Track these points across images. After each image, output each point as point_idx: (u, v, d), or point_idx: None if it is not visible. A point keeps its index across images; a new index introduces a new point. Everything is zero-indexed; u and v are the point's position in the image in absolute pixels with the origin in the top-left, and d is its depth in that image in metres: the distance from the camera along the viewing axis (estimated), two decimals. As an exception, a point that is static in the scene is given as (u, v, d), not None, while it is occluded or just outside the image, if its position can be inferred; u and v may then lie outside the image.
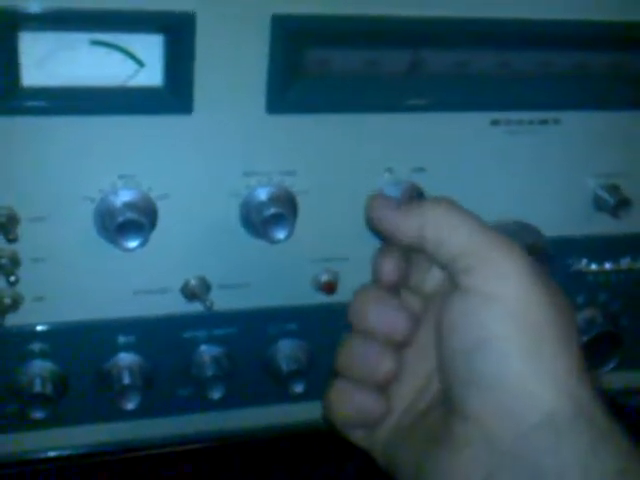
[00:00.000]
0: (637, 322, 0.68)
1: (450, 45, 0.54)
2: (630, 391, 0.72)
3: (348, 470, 0.80)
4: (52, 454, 0.59)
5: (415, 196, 0.56)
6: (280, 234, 0.53)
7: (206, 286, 0.55)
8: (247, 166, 0.53)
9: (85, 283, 0.53)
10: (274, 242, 0.53)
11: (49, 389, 0.54)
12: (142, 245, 0.50)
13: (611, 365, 0.66)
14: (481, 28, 0.54)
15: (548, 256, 0.60)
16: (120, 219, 0.49)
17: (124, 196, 0.51)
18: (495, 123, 0.57)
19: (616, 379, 0.68)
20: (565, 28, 0.55)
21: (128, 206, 0.50)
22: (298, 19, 0.49)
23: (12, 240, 0.49)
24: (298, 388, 0.59)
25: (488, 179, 0.59)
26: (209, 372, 0.57)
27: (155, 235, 0.52)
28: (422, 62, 0.54)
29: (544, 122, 0.58)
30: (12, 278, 0.50)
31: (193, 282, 0.55)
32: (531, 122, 0.58)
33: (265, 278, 0.57)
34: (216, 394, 0.57)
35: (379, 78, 0.53)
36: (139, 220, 0.50)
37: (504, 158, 0.58)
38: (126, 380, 0.55)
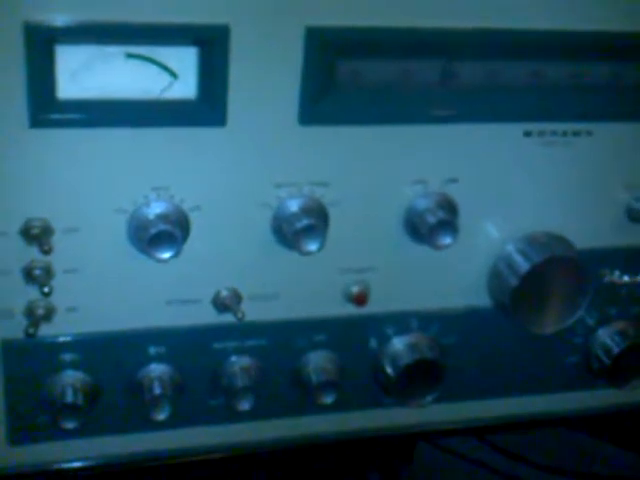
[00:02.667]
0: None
1: (482, 56, 0.54)
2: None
3: (373, 477, 0.80)
4: (82, 464, 0.58)
5: (445, 206, 0.56)
6: (312, 246, 0.53)
7: (237, 297, 0.55)
8: (279, 177, 0.53)
9: (117, 294, 0.53)
10: (306, 254, 0.53)
11: (80, 399, 0.54)
12: (175, 256, 0.50)
13: (643, 377, 0.66)
14: (513, 39, 0.53)
15: (581, 269, 0.60)
16: (153, 231, 0.50)
17: (157, 208, 0.51)
18: (528, 134, 0.57)
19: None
20: (598, 39, 0.55)
21: (161, 218, 0.50)
22: (332, 31, 0.49)
23: (47, 252, 0.49)
24: (328, 399, 0.58)
25: (520, 190, 0.58)
26: (239, 383, 0.57)
27: (187, 246, 0.52)
28: (454, 73, 0.54)
29: (577, 134, 0.57)
30: (46, 289, 0.50)
31: (224, 293, 0.55)
32: (564, 133, 0.57)
33: (295, 289, 0.57)
34: (245, 405, 0.57)
35: (411, 89, 0.53)
36: (172, 232, 0.50)
37: (536, 169, 0.58)
38: (157, 390, 0.55)
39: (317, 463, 0.78)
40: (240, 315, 0.54)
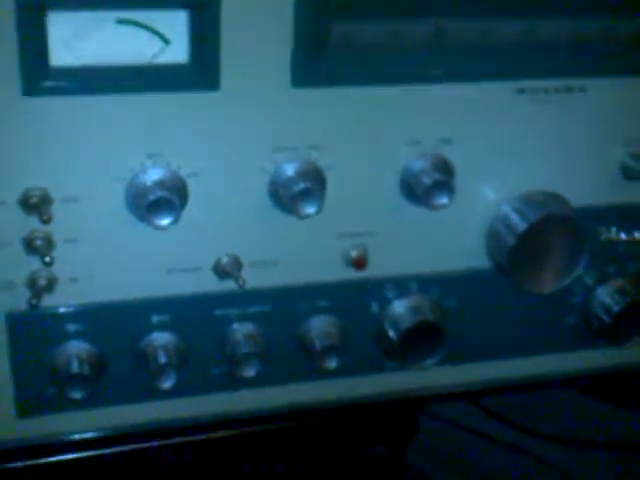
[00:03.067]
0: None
1: (473, 14, 0.54)
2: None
3: (378, 450, 0.80)
4: (89, 435, 0.59)
5: (441, 167, 0.56)
6: (310, 209, 0.53)
7: (238, 264, 0.56)
8: (274, 141, 0.53)
9: (118, 263, 0.54)
10: (304, 217, 0.53)
11: (86, 369, 0.54)
12: (174, 223, 0.50)
13: (643, 335, 0.66)
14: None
15: (577, 226, 0.60)
16: (151, 197, 0.50)
17: (154, 175, 0.51)
18: (520, 92, 0.57)
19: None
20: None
21: (158, 184, 0.50)
22: (322, -10, 0.49)
23: (46, 221, 0.49)
24: (332, 364, 0.59)
25: (515, 149, 0.59)
26: (242, 349, 0.57)
27: (186, 213, 0.52)
28: (445, 32, 0.54)
29: (569, 89, 0.58)
30: (47, 259, 0.51)
31: (225, 260, 0.55)
32: (557, 90, 0.57)
33: (295, 255, 0.57)
34: (250, 371, 0.57)
35: (403, 49, 0.53)
36: (170, 198, 0.50)
37: (530, 127, 0.58)
38: (162, 359, 0.55)
39: (320, 437, 0.78)
40: (241, 282, 0.55)
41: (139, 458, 0.63)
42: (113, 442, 0.61)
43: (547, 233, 0.59)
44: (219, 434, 0.64)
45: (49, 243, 0.51)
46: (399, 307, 0.61)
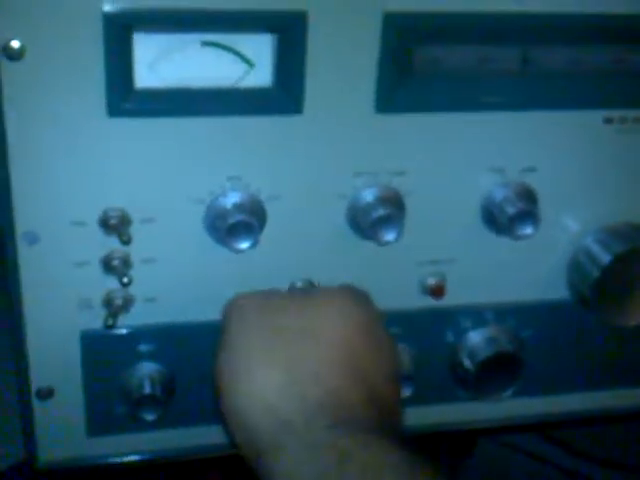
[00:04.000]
0: None
1: (561, 41, 0.53)
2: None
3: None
4: (162, 455, 0.59)
5: (525, 196, 0.55)
6: (389, 236, 0.52)
7: (311, 288, 0.55)
8: (355, 166, 0.52)
9: (194, 284, 0.53)
10: (383, 244, 0.52)
11: (158, 390, 0.54)
12: (252, 246, 0.50)
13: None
14: (594, 24, 0.52)
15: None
16: (231, 221, 0.49)
17: (234, 198, 0.51)
18: (608, 121, 0.55)
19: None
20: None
21: (238, 208, 0.50)
22: (410, 17, 0.48)
23: (126, 242, 0.49)
24: (406, 392, 0.58)
25: (601, 179, 0.57)
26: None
27: (264, 236, 0.51)
28: (532, 59, 0.53)
29: (660, 121, 0.56)
30: (125, 279, 0.51)
31: (299, 284, 0.55)
32: (646, 120, 0.56)
33: (371, 281, 0.56)
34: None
35: (489, 76, 0.52)
36: (249, 222, 0.50)
37: (618, 157, 0.57)
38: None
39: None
40: None
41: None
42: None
43: (632, 266, 0.57)
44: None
45: (127, 263, 0.51)
46: (476, 337, 0.60)
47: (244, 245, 0.50)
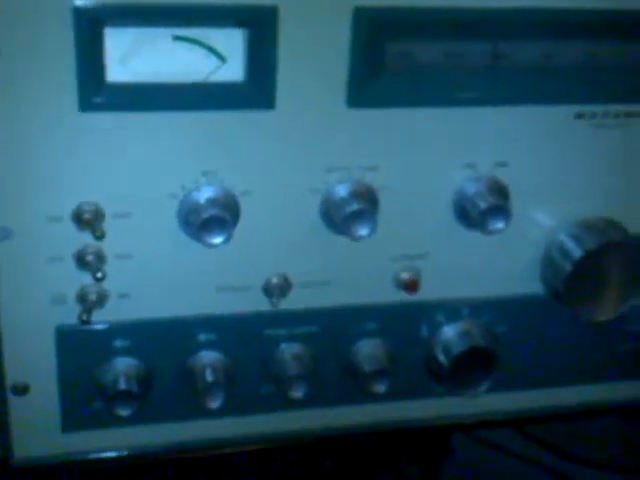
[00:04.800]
0: None
1: (532, 36, 0.53)
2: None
3: (412, 471, 0.79)
4: (135, 452, 0.59)
5: (497, 191, 0.55)
6: (362, 231, 0.52)
7: (287, 284, 0.55)
8: (328, 161, 0.53)
9: (168, 280, 0.54)
10: (356, 239, 0.52)
11: (134, 386, 0.54)
12: (226, 241, 0.50)
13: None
14: (564, 18, 0.53)
15: (635, 255, 0.58)
16: (204, 215, 0.49)
17: (207, 192, 0.51)
18: (579, 116, 0.56)
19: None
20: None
21: (211, 202, 0.50)
22: (380, 11, 0.49)
23: (99, 237, 0.49)
24: (381, 388, 0.58)
25: (573, 174, 0.57)
26: (290, 371, 0.56)
27: (237, 232, 0.52)
28: (504, 54, 0.53)
29: (630, 115, 0.56)
30: (99, 274, 0.51)
31: (275, 280, 0.55)
32: (617, 115, 0.56)
33: (346, 276, 0.57)
34: (297, 393, 0.56)
35: (460, 71, 0.53)
36: (223, 216, 0.50)
37: (590, 152, 0.57)
38: (209, 378, 0.55)
39: (355, 456, 0.77)
40: (275, 301, 0.54)
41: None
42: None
43: (604, 261, 0.58)
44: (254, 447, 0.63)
45: (100, 258, 0.51)
46: (450, 332, 0.60)
47: (217, 240, 0.50)
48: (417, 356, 0.61)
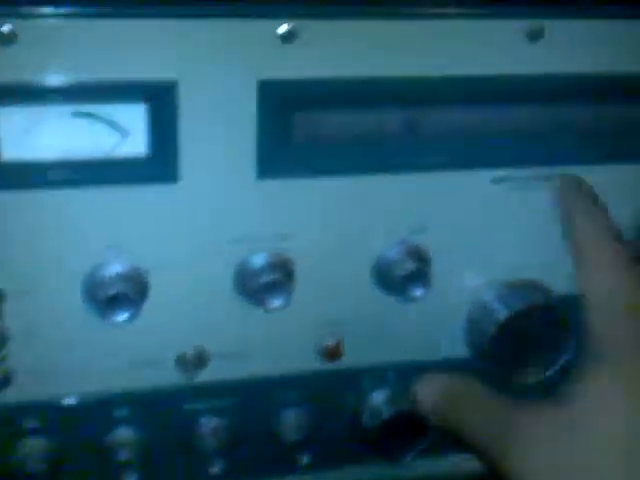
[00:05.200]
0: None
1: (446, 104, 0.53)
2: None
3: None
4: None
5: (416, 257, 0.55)
6: (276, 302, 0.51)
7: (204, 356, 0.54)
8: (240, 233, 0.52)
9: (78, 357, 0.52)
10: (270, 311, 0.51)
11: (42, 468, 0.52)
12: (132, 318, 0.49)
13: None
14: (477, 86, 0.52)
15: (561, 316, 0.58)
16: (109, 292, 0.48)
17: (112, 268, 0.50)
18: (496, 181, 0.55)
19: None
20: (567, 83, 0.54)
21: (117, 278, 0.49)
22: (285, 84, 0.48)
23: (-1, 315, 0.48)
24: (303, 459, 0.57)
25: (493, 236, 0.57)
26: (210, 445, 0.55)
27: (147, 306, 0.51)
28: (417, 122, 0.52)
29: (548, 178, 0.56)
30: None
31: (190, 353, 0.54)
32: (535, 178, 0.56)
33: (265, 346, 0.56)
34: (216, 468, 0.55)
35: (373, 140, 0.52)
36: (128, 293, 0.49)
37: (509, 215, 0.57)
38: (124, 456, 0.54)
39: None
40: (189, 377, 0.53)
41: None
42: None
43: (527, 322, 0.57)
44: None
45: (3, 338, 0.49)
46: (377, 398, 0.59)
47: (122, 317, 0.49)
48: (344, 424, 0.59)
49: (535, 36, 0.51)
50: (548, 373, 0.59)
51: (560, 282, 0.59)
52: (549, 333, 0.58)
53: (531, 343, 0.58)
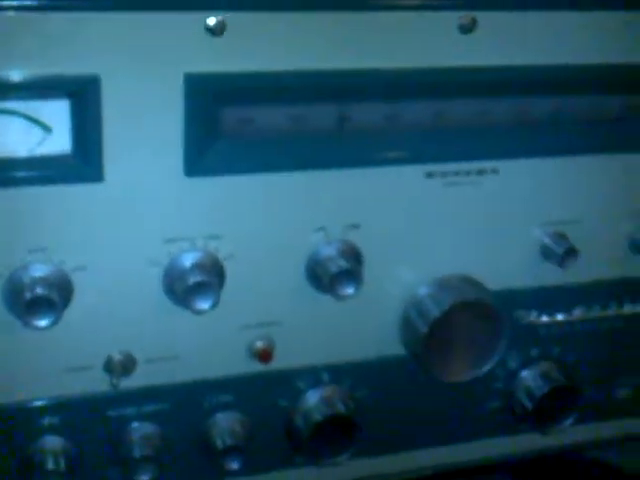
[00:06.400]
0: (593, 373, 0.65)
1: (377, 97, 0.52)
2: (586, 445, 0.69)
3: None
4: None
5: (348, 254, 0.54)
6: (204, 304, 0.50)
7: (132, 361, 0.52)
8: (168, 232, 0.50)
9: (2, 364, 0.50)
10: (198, 313, 0.50)
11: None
12: (53, 324, 0.47)
13: (570, 420, 0.63)
14: (409, 79, 0.52)
15: (494, 312, 0.57)
16: (28, 296, 0.46)
17: (34, 271, 0.47)
18: (430, 176, 0.55)
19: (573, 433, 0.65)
20: (497, 76, 0.53)
21: (38, 281, 0.47)
22: (212, 77, 0.47)
23: None
24: (234, 465, 0.55)
25: (428, 233, 0.56)
26: (137, 453, 0.53)
27: (72, 310, 0.49)
28: (348, 116, 0.51)
29: (482, 172, 0.56)
30: None
31: (117, 357, 0.52)
32: (468, 173, 0.55)
33: (195, 349, 0.54)
34: (144, 476, 0.53)
35: (304, 135, 0.51)
36: (49, 296, 0.46)
37: (443, 210, 0.56)
38: (50, 465, 0.51)
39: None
40: (115, 382, 0.51)
41: None
42: None
43: (461, 320, 0.57)
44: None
45: None
46: (309, 400, 0.58)
47: (43, 322, 0.47)
48: (277, 427, 0.58)
49: (467, 29, 0.51)
50: (483, 371, 0.59)
51: (495, 277, 0.58)
52: (482, 330, 0.57)
53: (464, 341, 0.58)
